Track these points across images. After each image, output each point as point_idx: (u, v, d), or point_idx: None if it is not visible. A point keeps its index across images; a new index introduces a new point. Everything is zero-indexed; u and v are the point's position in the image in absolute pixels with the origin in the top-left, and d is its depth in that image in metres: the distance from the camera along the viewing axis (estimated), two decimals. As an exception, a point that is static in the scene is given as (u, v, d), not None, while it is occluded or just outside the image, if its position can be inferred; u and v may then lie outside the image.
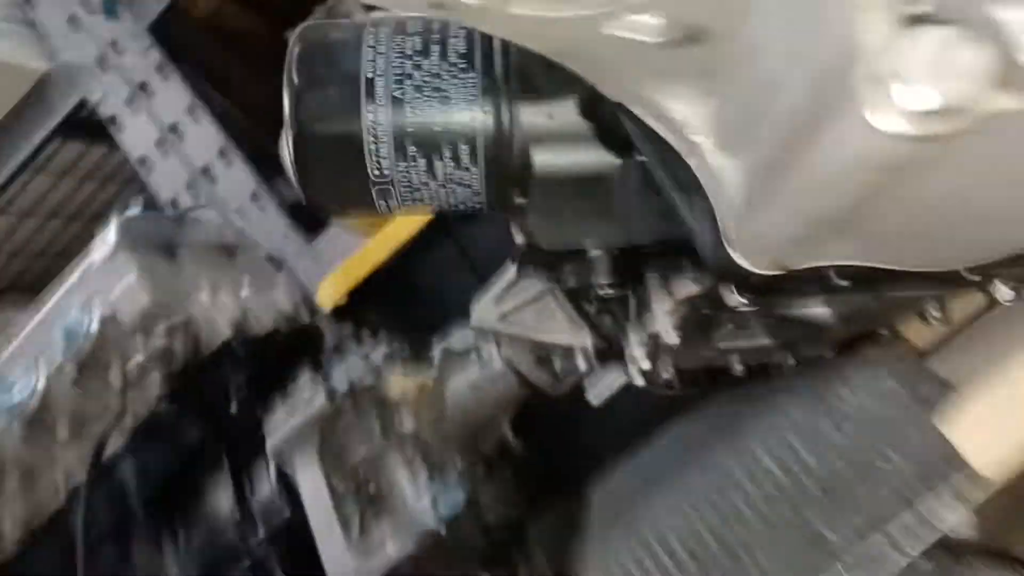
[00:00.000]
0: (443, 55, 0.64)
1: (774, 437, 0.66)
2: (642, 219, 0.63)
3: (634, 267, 0.72)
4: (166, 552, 1.44)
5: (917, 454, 0.60)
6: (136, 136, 2.23)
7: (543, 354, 1.25)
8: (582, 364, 1.27)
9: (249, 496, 1.37)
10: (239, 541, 1.36)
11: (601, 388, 1.48)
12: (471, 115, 0.62)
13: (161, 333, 1.39)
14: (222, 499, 1.40)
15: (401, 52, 0.64)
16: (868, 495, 0.59)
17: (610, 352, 0.98)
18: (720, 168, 0.48)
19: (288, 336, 1.55)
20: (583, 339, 0.99)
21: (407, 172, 0.64)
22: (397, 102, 0.63)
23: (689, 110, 0.48)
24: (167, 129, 2.19)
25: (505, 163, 0.63)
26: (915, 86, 0.35)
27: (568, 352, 1.16)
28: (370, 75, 0.63)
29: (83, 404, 1.45)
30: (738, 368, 0.88)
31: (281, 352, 1.50)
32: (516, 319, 1.17)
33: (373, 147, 0.63)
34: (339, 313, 1.81)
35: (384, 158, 0.64)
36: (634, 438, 1.40)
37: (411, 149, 0.63)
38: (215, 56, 2.46)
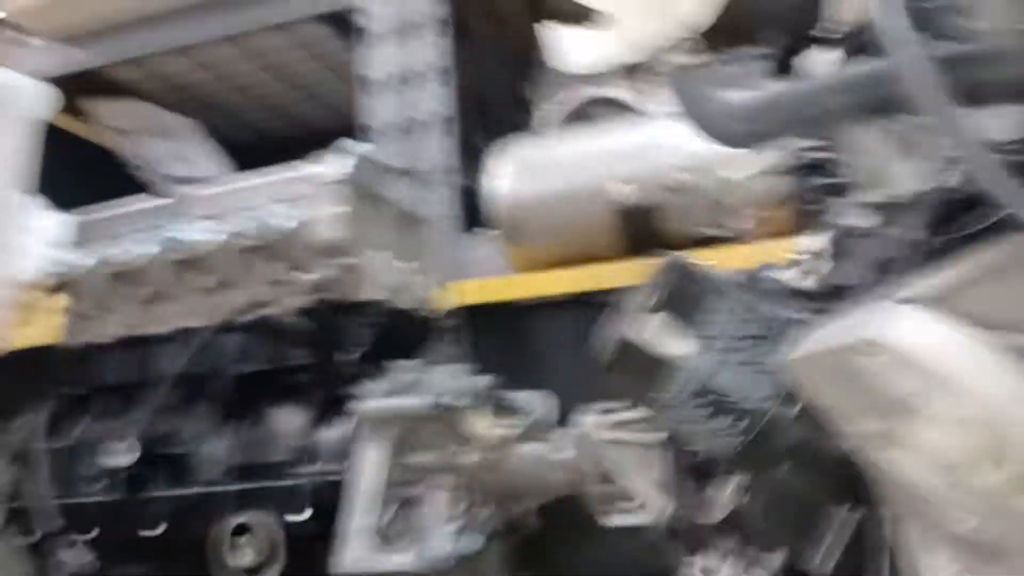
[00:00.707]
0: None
1: None
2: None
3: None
4: (218, 431, 1.58)
5: None
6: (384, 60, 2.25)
7: (609, 481, 1.35)
8: (639, 512, 1.35)
9: (311, 435, 1.50)
10: (288, 463, 1.49)
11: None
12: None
13: (325, 269, 1.52)
14: (292, 422, 1.53)
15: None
16: None
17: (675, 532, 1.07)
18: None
19: (410, 319, 1.66)
20: (662, 507, 1.08)
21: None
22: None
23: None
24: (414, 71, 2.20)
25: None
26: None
27: (634, 498, 1.26)
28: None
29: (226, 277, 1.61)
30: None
31: (398, 330, 1.62)
32: (612, 444, 1.27)
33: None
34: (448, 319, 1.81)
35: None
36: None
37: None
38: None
